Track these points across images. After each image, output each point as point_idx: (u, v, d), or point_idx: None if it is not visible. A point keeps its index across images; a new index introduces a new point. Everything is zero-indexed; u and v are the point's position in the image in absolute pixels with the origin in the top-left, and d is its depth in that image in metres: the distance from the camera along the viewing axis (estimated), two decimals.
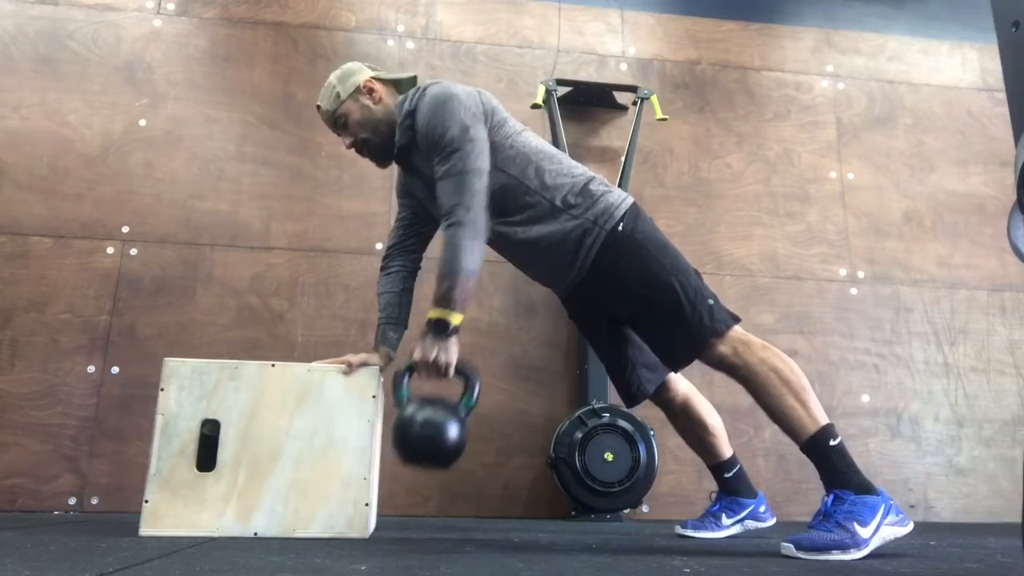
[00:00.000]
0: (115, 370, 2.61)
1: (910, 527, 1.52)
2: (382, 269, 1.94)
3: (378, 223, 2.89)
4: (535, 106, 2.97)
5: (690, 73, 3.28)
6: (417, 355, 1.58)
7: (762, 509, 1.94)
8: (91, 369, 2.60)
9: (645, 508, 2.72)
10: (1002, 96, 3.44)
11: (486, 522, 2.14)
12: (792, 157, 3.24)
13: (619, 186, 2.89)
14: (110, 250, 2.73)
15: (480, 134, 1.65)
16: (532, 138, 1.77)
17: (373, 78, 1.79)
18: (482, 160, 1.63)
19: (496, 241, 1.76)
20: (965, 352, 3.09)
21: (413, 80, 1.83)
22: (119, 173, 2.81)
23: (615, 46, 3.26)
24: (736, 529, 1.90)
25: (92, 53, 2.91)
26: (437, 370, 1.57)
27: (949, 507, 2.90)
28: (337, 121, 1.79)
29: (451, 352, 1.58)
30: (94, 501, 2.50)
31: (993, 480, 2.95)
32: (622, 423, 2.55)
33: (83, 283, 2.68)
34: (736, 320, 1.69)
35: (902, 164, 3.30)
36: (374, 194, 2.92)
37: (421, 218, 1.90)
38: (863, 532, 1.43)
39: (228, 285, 2.75)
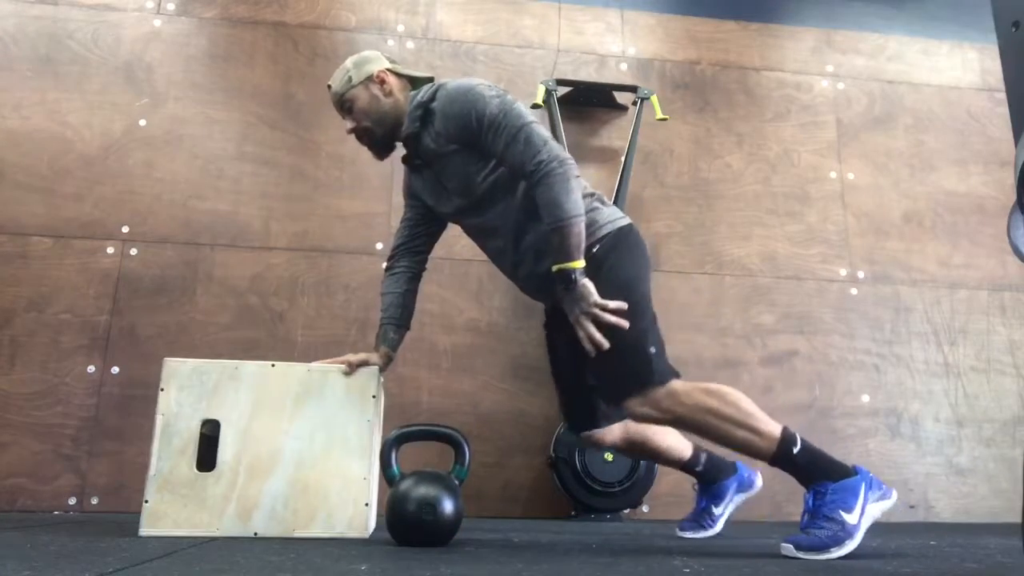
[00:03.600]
0: (115, 370, 2.61)
1: (894, 498, 1.53)
2: (387, 269, 1.94)
3: (378, 223, 2.89)
4: (535, 106, 2.97)
5: (690, 73, 3.28)
6: (571, 317, 1.57)
7: (745, 476, 1.93)
8: (91, 369, 2.60)
9: (645, 508, 2.72)
10: (1002, 96, 3.44)
11: (486, 522, 2.14)
12: (792, 157, 3.24)
13: (619, 186, 2.91)
14: (110, 250, 2.73)
15: (512, 99, 1.65)
16: None
17: (388, 70, 1.77)
18: (530, 115, 1.63)
19: (481, 235, 1.76)
20: (965, 352, 3.09)
21: (429, 79, 1.82)
22: (119, 173, 2.81)
23: (615, 46, 3.26)
24: (731, 509, 1.91)
25: (92, 53, 2.91)
26: (589, 316, 1.54)
27: (949, 507, 2.90)
28: (343, 104, 1.78)
29: (589, 295, 1.54)
30: (94, 501, 2.50)
31: (993, 480, 2.95)
32: None
33: (83, 283, 2.68)
34: (672, 376, 1.57)
35: (902, 164, 3.30)
36: (374, 194, 2.92)
37: (427, 218, 1.89)
38: (851, 519, 1.43)
39: (228, 285, 2.75)
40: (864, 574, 1.18)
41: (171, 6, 3.01)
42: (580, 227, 1.56)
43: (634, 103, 3.07)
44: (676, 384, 1.56)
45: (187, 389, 1.65)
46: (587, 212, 1.62)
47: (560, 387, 1.82)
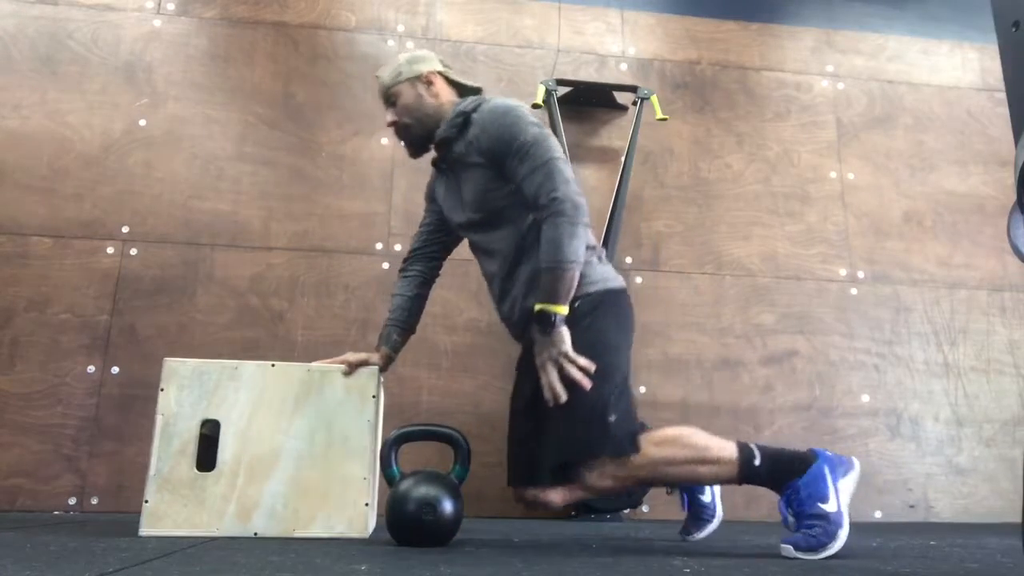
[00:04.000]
0: (115, 370, 2.61)
1: (857, 466, 1.53)
2: (400, 271, 1.95)
3: (378, 223, 2.89)
4: (535, 106, 2.97)
5: (690, 73, 3.28)
6: (537, 360, 1.55)
7: None
8: (91, 369, 2.60)
9: (645, 508, 2.72)
10: (1002, 96, 3.44)
11: (486, 522, 2.14)
12: (792, 157, 3.24)
13: (619, 186, 2.91)
14: (110, 250, 2.73)
15: (549, 133, 1.64)
16: None
17: (439, 73, 1.78)
18: (560, 151, 1.62)
19: (481, 254, 1.77)
20: (965, 352, 3.09)
21: (477, 90, 1.84)
22: (119, 173, 2.81)
23: (615, 46, 3.26)
24: (717, 487, 1.85)
25: (92, 53, 2.91)
26: (556, 364, 1.52)
27: (949, 507, 2.90)
28: (388, 97, 1.79)
29: (561, 342, 1.52)
30: (94, 501, 2.50)
31: (993, 480, 2.95)
32: None
33: (83, 283, 2.68)
34: (631, 450, 1.50)
35: (902, 164, 3.30)
36: (374, 194, 2.92)
37: (444, 225, 1.90)
38: (830, 507, 1.44)
39: (228, 285, 2.75)
40: (864, 574, 1.18)
41: (171, 6, 3.01)
42: (574, 274, 1.55)
43: (634, 103, 3.07)
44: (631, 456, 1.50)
45: (187, 389, 1.65)
46: (585, 263, 1.60)
47: (511, 433, 1.72)
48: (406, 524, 1.47)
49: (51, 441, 2.52)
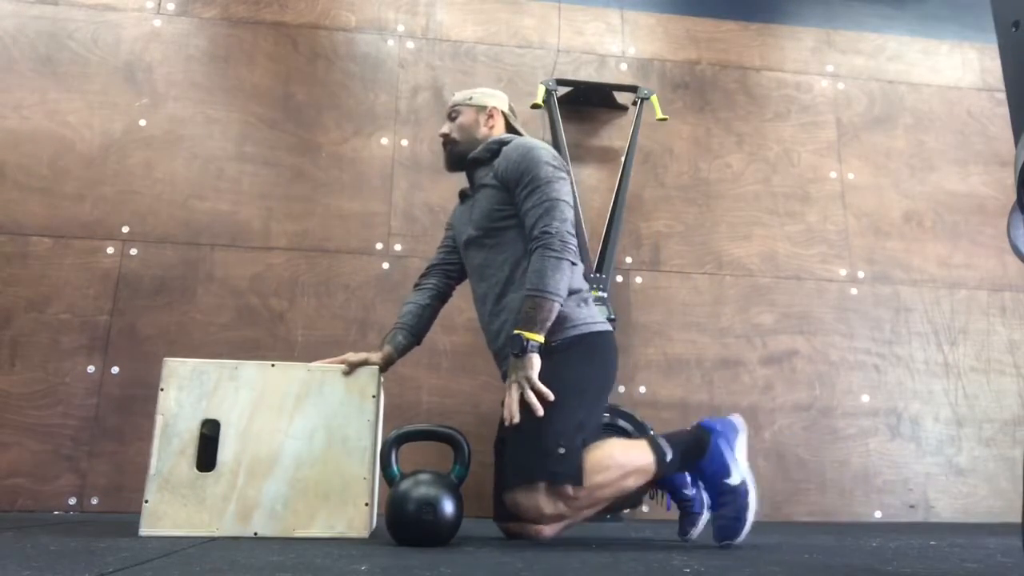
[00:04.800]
0: (115, 370, 2.62)
1: (740, 422, 1.65)
2: (415, 285, 2.05)
3: (378, 223, 2.90)
4: (535, 106, 2.97)
5: (690, 73, 3.28)
6: (506, 381, 1.65)
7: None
8: (91, 369, 2.60)
9: (645, 508, 2.72)
10: (1002, 96, 3.44)
11: (486, 522, 2.13)
12: (792, 157, 3.24)
13: (619, 186, 2.91)
14: (110, 250, 2.73)
15: (565, 179, 1.75)
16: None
17: (503, 113, 1.95)
18: (570, 197, 1.73)
19: (476, 275, 1.86)
20: (965, 352, 3.09)
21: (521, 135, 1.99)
22: (119, 173, 2.81)
23: (615, 46, 3.26)
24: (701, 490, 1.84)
25: (92, 53, 2.91)
26: (519, 387, 1.60)
27: (949, 507, 2.90)
28: (452, 112, 1.94)
29: (528, 368, 1.60)
30: (94, 501, 2.50)
31: (993, 480, 2.95)
32: (621, 423, 2.54)
33: (83, 283, 2.68)
34: (570, 482, 1.53)
35: (902, 164, 3.30)
36: (374, 194, 2.92)
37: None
38: (735, 478, 1.58)
39: (228, 285, 2.75)
40: (864, 574, 1.18)
41: (171, 6, 3.01)
42: (553, 307, 1.63)
43: (634, 103, 3.07)
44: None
45: (187, 389, 1.65)
46: (567, 305, 1.68)
47: (497, 459, 1.83)
48: (406, 524, 1.47)
49: (51, 441, 2.52)
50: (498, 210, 1.78)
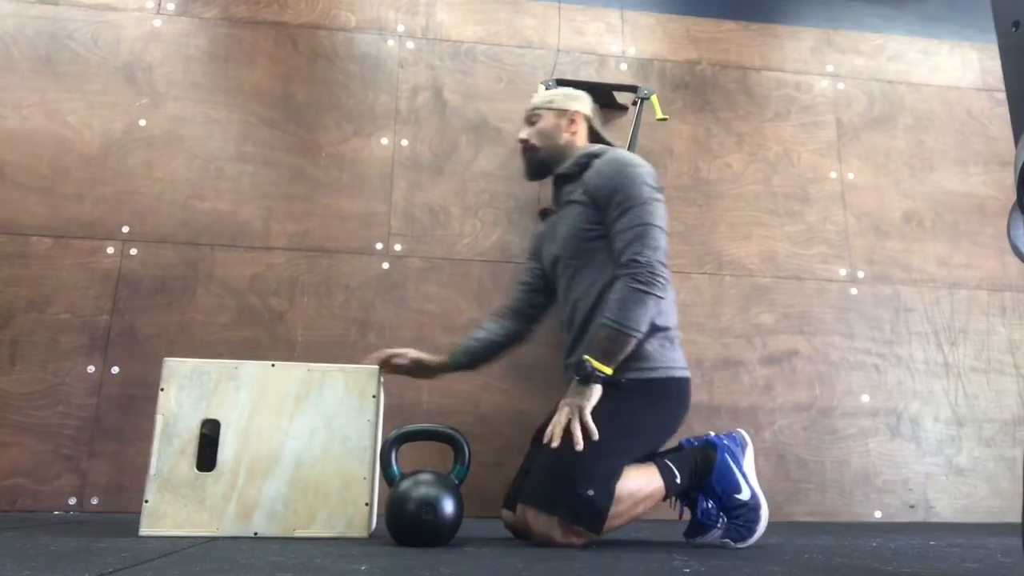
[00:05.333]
0: (115, 370, 2.62)
1: (747, 437, 1.67)
2: (492, 316, 2.01)
3: (378, 223, 2.90)
4: None
5: (690, 73, 3.28)
6: (561, 402, 1.58)
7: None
8: (91, 369, 2.60)
9: None
10: (1002, 96, 3.44)
11: (486, 522, 2.13)
12: (792, 157, 3.24)
13: None
14: (110, 250, 2.73)
15: (662, 201, 1.65)
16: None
17: (586, 116, 1.84)
18: (665, 222, 1.62)
19: (564, 297, 1.78)
20: (965, 352, 3.09)
21: (609, 143, 1.89)
22: (119, 173, 2.81)
23: (615, 46, 3.26)
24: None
25: (92, 53, 2.91)
26: (569, 414, 1.53)
27: (949, 507, 2.91)
28: (532, 116, 1.85)
29: (586, 399, 1.53)
30: (94, 501, 2.50)
31: (993, 480, 2.95)
32: None
33: (83, 283, 2.68)
34: (589, 528, 1.50)
35: (902, 164, 3.30)
36: (374, 194, 2.92)
37: (541, 286, 1.93)
38: (745, 495, 1.58)
39: (228, 285, 2.75)
40: (864, 574, 1.18)
41: (171, 6, 3.01)
42: (629, 343, 1.54)
43: (634, 103, 3.07)
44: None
45: (187, 389, 1.65)
46: (650, 343, 1.60)
47: (530, 453, 1.79)
48: (406, 524, 1.47)
49: (51, 441, 2.52)
50: (587, 229, 1.67)
